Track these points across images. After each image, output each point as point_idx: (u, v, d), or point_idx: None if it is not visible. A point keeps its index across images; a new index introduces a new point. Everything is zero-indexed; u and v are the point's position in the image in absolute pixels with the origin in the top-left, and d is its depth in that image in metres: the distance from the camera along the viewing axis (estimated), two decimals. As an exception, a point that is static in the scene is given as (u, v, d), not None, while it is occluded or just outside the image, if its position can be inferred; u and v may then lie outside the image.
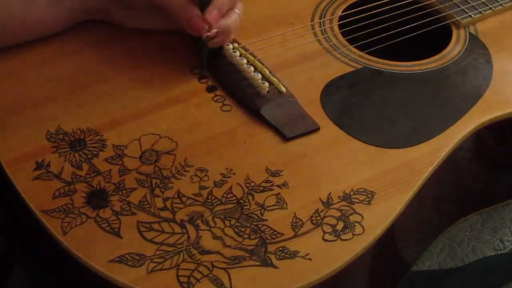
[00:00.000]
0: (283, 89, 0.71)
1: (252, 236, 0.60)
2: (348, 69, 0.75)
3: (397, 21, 0.80)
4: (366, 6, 0.82)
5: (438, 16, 0.82)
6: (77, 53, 0.74)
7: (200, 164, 0.65)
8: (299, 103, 0.71)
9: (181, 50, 0.75)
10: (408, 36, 0.79)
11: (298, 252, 0.59)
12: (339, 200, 0.63)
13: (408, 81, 0.74)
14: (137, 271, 0.57)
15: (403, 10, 0.82)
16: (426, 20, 0.81)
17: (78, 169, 0.64)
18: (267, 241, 0.59)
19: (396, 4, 0.83)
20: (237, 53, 0.74)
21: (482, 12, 0.82)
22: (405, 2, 0.83)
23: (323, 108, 0.70)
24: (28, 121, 0.67)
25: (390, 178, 0.65)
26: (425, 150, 0.67)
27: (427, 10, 0.83)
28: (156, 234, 0.59)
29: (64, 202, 0.61)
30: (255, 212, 0.61)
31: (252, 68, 0.72)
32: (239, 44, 0.75)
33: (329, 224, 0.61)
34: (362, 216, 0.62)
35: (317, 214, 0.62)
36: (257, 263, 0.58)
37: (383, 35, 0.79)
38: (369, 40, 0.78)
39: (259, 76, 0.71)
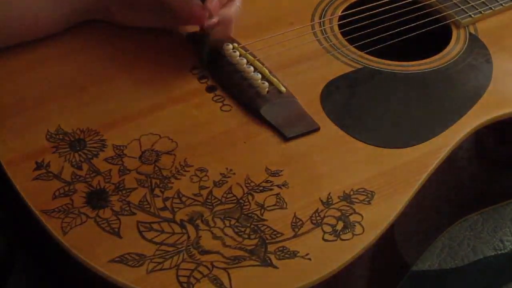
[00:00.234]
0: (283, 89, 0.71)
1: (252, 236, 0.60)
2: (348, 69, 0.75)
3: (397, 21, 0.80)
4: (366, 6, 0.82)
5: (438, 16, 0.82)
6: (77, 53, 0.74)
7: (200, 164, 0.65)
8: (299, 103, 0.71)
9: (181, 50, 0.75)
10: (408, 36, 0.79)
11: (298, 252, 0.59)
12: (339, 200, 0.63)
13: (408, 81, 0.74)
14: (137, 271, 0.57)
15: (403, 10, 0.82)
16: (426, 20, 0.81)
17: (78, 169, 0.64)
18: (267, 241, 0.59)
19: (396, 4, 0.83)
20: (237, 53, 0.74)
21: (482, 12, 0.82)
22: (405, 2, 0.83)
23: (323, 108, 0.70)
24: (28, 121, 0.67)
25: (390, 178, 0.65)
26: (425, 150, 0.67)
27: (427, 10, 0.83)
28: (156, 234, 0.59)
29: (64, 202, 0.61)
30: (255, 212, 0.61)
31: (252, 68, 0.72)
32: (239, 44, 0.75)
33: (329, 224, 0.61)
34: (362, 216, 0.62)
35: (317, 214, 0.62)
36: (257, 263, 0.58)
37: (383, 35, 0.79)
38: (369, 40, 0.78)
39: (259, 76, 0.71)
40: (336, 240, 0.60)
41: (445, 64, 0.76)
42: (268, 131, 0.68)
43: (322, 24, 0.80)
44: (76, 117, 0.68)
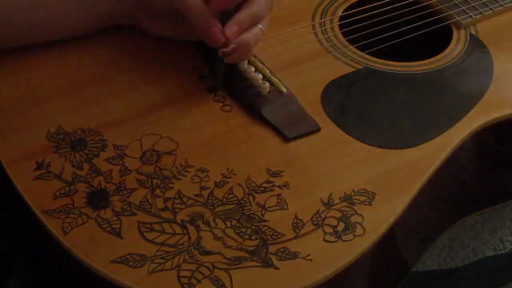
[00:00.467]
0: (284, 90, 0.71)
1: (253, 237, 0.60)
2: (349, 70, 0.75)
3: (397, 21, 0.80)
4: (366, 6, 0.82)
5: (438, 16, 0.82)
6: (78, 53, 0.74)
7: (201, 165, 0.64)
8: (300, 103, 0.71)
9: (182, 50, 0.75)
10: (408, 36, 0.79)
11: (299, 253, 0.59)
12: (340, 201, 0.63)
13: (409, 81, 0.74)
14: (138, 271, 0.57)
15: (403, 11, 0.82)
16: (427, 20, 0.81)
17: (78, 169, 0.64)
18: (268, 242, 0.59)
19: (397, 4, 0.83)
20: (238, 53, 0.74)
21: (483, 12, 0.82)
22: (405, 2, 0.83)
23: (324, 109, 0.70)
24: (28, 121, 0.67)
25: (391, 179, 0.65)
26: (426, 150, 0.67)
27: (428, 11, 0.83)
28: (157, 234, 0.59)
29: (65, 202, 0.61)
30: (256, 213, 0.61)
31: (253, 68, 0.72)
32: (239, 44, 0.75)
33: (330, 225, 0.61)
34: (363, 217, 0.62)
35: (318, 215, 0.62)
36: (258, 264, 0.58)
37: (384, 35, 0.79)
38: (370, 40, 0.78)
39: (260, 76, 0.71)
40: (337, 241, 0.60)
41: (446, 64, 0.76)
42: (269, 132, 0.68)
43: (322, 24, 0.80)
44: (76, 117, 0.68)
